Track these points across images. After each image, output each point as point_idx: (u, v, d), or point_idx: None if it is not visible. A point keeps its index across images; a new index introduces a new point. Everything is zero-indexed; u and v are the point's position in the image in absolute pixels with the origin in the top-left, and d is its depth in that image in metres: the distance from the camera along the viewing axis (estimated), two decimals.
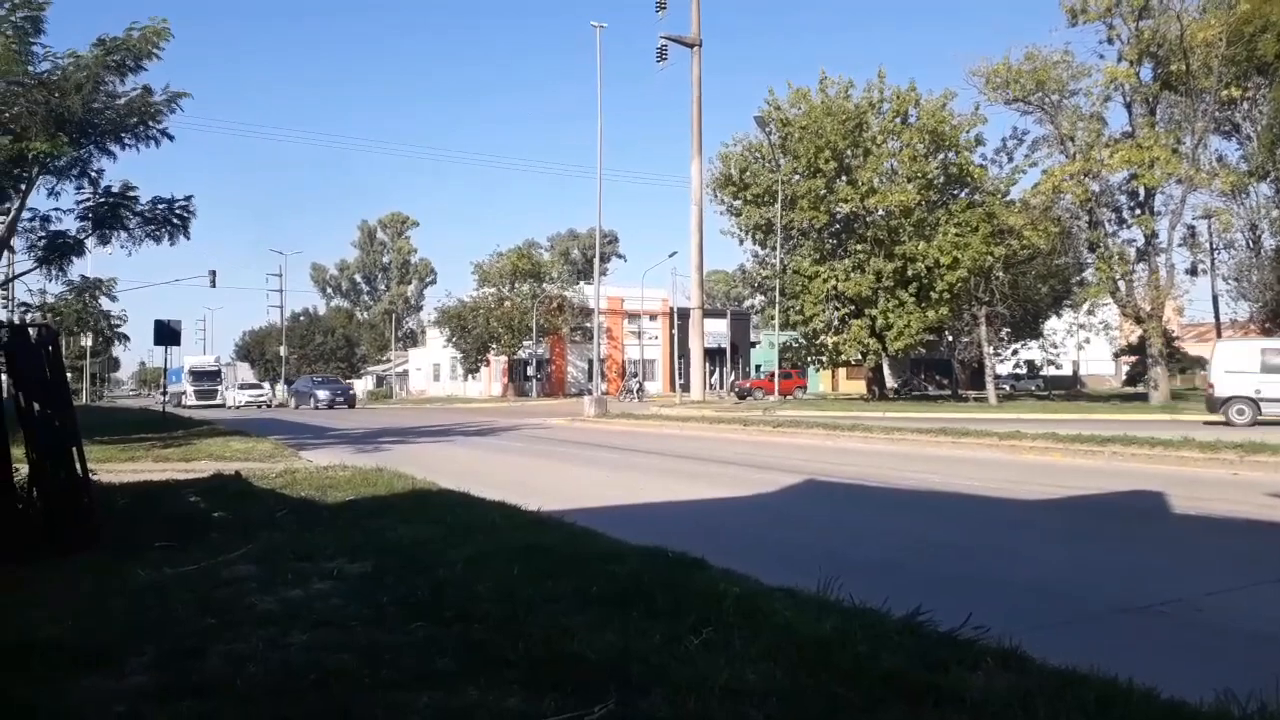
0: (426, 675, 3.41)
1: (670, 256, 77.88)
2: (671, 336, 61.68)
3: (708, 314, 46.95)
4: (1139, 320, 32.34)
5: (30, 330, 6.48)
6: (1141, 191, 31.54)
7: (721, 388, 60.66)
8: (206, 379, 66.80)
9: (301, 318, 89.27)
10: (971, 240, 34.16)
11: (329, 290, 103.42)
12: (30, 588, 4.93)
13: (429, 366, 75.21)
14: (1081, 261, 37.53)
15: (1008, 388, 49.33)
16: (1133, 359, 48.95)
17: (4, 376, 6.36)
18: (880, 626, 3.93)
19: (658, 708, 3.04)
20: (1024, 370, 56.57)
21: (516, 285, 61.66)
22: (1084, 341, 47.71)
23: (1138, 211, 32.02)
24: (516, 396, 59.00)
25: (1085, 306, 39.84)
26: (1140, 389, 39.84)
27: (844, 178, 36.70)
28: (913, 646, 3.67)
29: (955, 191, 37.48)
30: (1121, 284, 32.11)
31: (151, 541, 6.14)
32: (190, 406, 57.86)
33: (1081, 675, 3.33)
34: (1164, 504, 9.04)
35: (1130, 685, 3.23)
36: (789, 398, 44.24)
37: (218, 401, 64.32)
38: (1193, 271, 36.11)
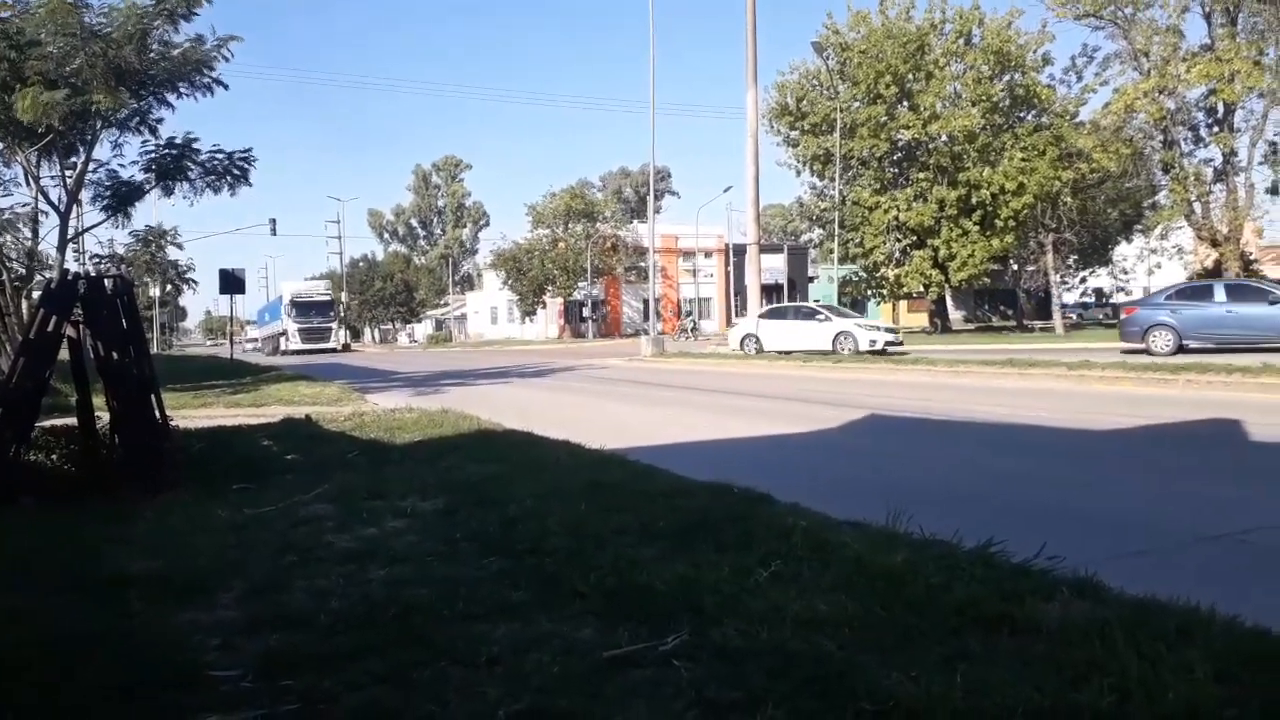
0: (502, 607, 3.49)
1: (725, 191, 77.16)
2: (727, 274, 61.21)
3: (764, 249, 46.29)
4: (1215, 243, 31.18)
5: (106, 281, 6.65)
6: (1220, 108, 30.16)
7: None
8: (316, 313, 50.01)
9: (360, 263, 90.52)
10: (1038, 165, 33.09)
11: (386, 235, 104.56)
12: (120, 529, 5.14)
13: (486, 309, 75.93)
14: (1155, 183, 36.13)
15: (1075, 316, 48.18)
16: None
17: (82, 327, 6.55)
18: (952, 558, 3.89)
19: (730, 638, 3.07)
20: (1092, 298, 55.09)
21: (570, 226, 61.54)
22: (1155, 267, 46.22)
23: (1216, 129, 30.66)
24: (573, 338, 59.33)
25: (1158, 230, 38.42)
26: None
27: (905, 103, 35.71)
28: (986, 577, 3.63)
29: (1021, 114, 36.26)
30: (1197, 205, 30.93)
31: (229, 484, 6.36)
32: (294, 352, 45.34)
33: (1160, 604, 3.27)
34: (1243, 432, 8.78)
35: (1212, 613, 3.16)
36: None
37: (331, 344, 48.98)
38: (1274, 191, 34.46)
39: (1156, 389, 12.95)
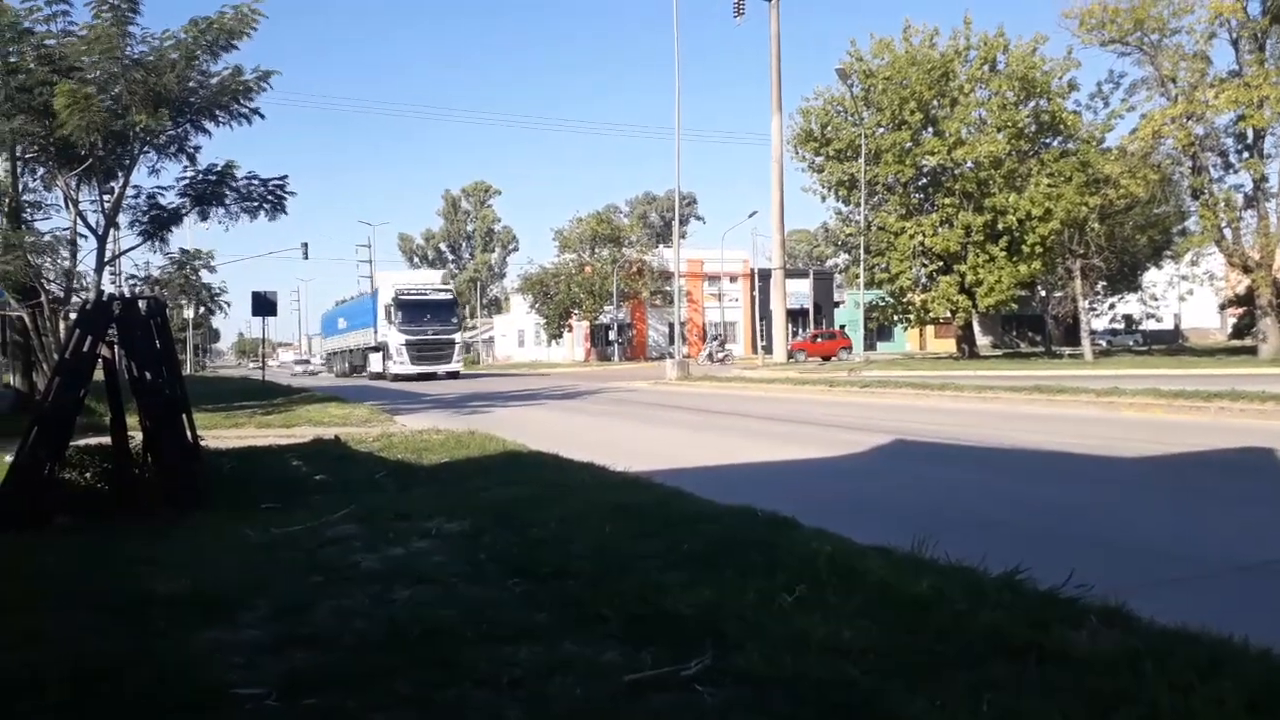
0: (526, 630, 3.49)
1: (750, 216, 76.84)
2: (752, 298, 61.20)
3: (790, 274, 46.43)
4: (1247, 269, 30.79)
5: (140, 303, 6.77)
6: (1250, 134, 29.85)
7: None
8: (432, 318, 34.09)
9: None
10: (1065, 190, 32.88)
11: (415, 260, 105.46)
12: (149, 548, 5.19)
13: (513, 333, 76.30)
14: (1184, 209, 35.78)
15: (1104, 343, 47.57)
16: (1240, 311, 46.55)
17: (117, 348, 6.66)
18: (978, 585, 3.85)
19: (754, 663, 3.05)
20: (1121, 325, 54.37)
21: (596, 250, 61.91)
22: (1186, 293, 45.56)
23: (1245, 155, 30.35)
24: (599, 361, 59.45)
25: (1188, 257, 37.97)
26: (1248, 342, 37.96)
27: (930, 129, 35.68)
28: (1013, 604, 3.59)
29: (1047, 140, 36.08)
30: (1228, 232, 30.58)
31: (258, 503, 6.41)
32: (399, 377, 32.65)
33: (1192, 634, 3.21)
34: (1277, 460, 8.63)
35: (1246, 643, 3.11)
36: (830, 360, 43.11)
37: (453, 365, 34.42)
38: None
39: (1188, 415, 12.76)
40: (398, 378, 32.67)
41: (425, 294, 36.01)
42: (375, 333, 36.22)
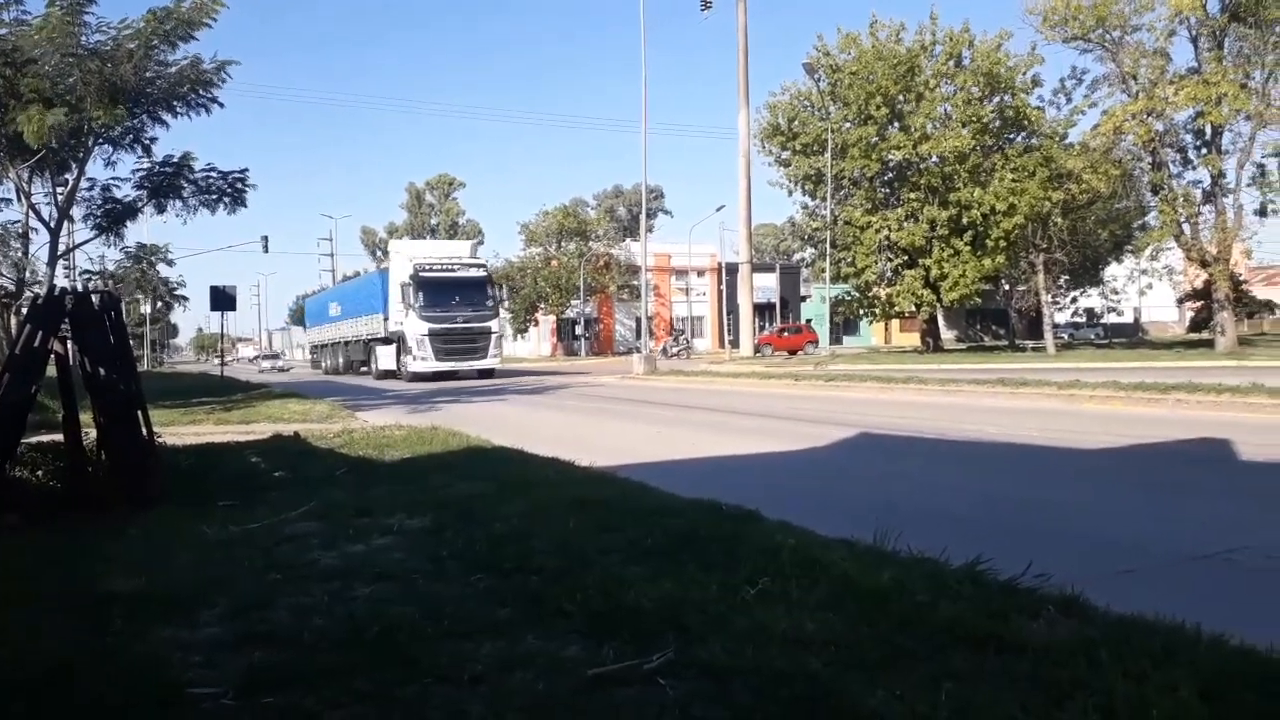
0: (487, 626, 3.47)
1: (718, 210, 77.20)
2: (720, 292, 61.33)
3: (756, 268, 46.56)
4: (1204, 264, 31.31)
5: (93, 297, 6.63)
6: (1208, 130, 30.30)
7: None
8: (461, 300, 28.03)
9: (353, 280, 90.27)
10: (1028, 185, 33.31)
11: (379, 253, 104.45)
12: (104, 545, 5.09)
13: None
14: (1144, 204, 36.36)
15: (1066, 336, 48.31)
16: (1198, 304, 47.48)
17: (70, 343, 6.53)
18: (939, 576, 3.89)
19: (716, 656, 3.05)
20: (1083, 318, 55.29)
21: (563, 244, 61.72)
22: (1146, 287, 46.39)
23: (1204, 151, 30.80)
24: (565, 355, 59.32)
25: (1148, 251, 38.55)
26: (1206, 335, 38.70)
27: (896, 124, 35.92)
28: (972, 595, 3.63)
29: (1011, 135, 36.49)
30: (1186, 227, 31.06)
31: (215, 500, 6.32)
32: (418, 376, 27.47)
33: (1146, 622, 3.27)
34: (1232, 451, 8.80)
35: (1198, 631, 3.16)
36: (796, 354, 43.45)
37: (487, 362, 28.56)
38: (1262, 212, 34.50)
39: (1147, 408, 12.98)
40: (416, 376, 27.16)
41: (453, 270, 28.72)
42: (386, 320, 29.75)
